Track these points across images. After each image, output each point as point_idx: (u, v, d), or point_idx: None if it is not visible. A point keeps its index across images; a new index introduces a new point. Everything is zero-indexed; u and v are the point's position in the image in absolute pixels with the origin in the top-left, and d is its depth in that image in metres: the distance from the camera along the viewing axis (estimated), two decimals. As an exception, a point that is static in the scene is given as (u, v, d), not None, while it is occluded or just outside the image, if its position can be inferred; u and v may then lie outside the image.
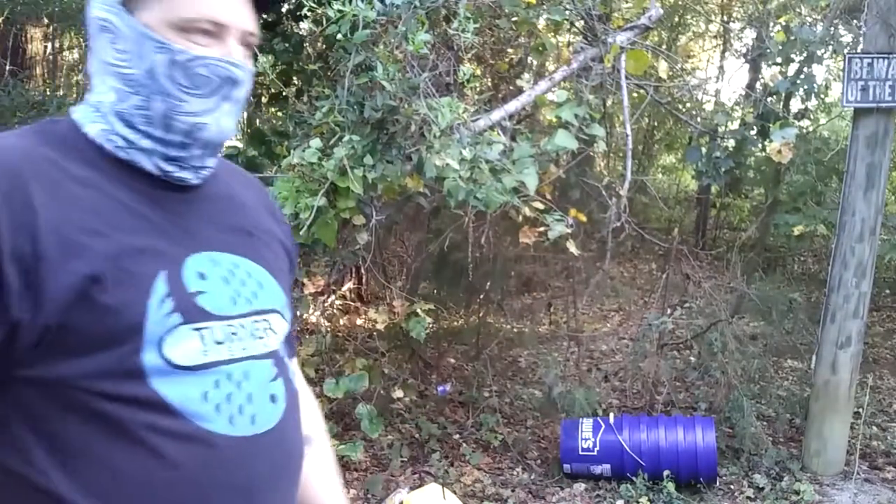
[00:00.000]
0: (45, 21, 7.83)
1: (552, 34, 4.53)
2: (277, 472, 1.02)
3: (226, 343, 0.97)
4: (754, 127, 4.55)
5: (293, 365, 1.19)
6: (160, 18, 0.94)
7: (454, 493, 3.26)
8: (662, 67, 3.97)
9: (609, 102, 4.73)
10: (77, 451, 0.89)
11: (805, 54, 4.52)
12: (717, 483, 3.95)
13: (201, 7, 0.95)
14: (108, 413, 0.89)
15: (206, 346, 0.94)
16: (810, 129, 6.10)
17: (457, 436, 4.52)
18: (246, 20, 0.99)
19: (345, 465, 3.98)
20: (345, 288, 5.49)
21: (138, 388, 0.90)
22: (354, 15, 2.67)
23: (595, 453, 3.92)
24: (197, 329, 0.94)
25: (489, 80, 4.42)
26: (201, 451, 0.93)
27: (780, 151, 3.90)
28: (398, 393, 3.97)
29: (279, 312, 1.07)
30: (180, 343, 0.92)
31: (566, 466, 4.00)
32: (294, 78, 4.22)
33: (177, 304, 0.93)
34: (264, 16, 4.23)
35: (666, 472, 3.81)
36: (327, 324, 4.25)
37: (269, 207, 1.20)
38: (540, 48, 4.07)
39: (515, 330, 5.92)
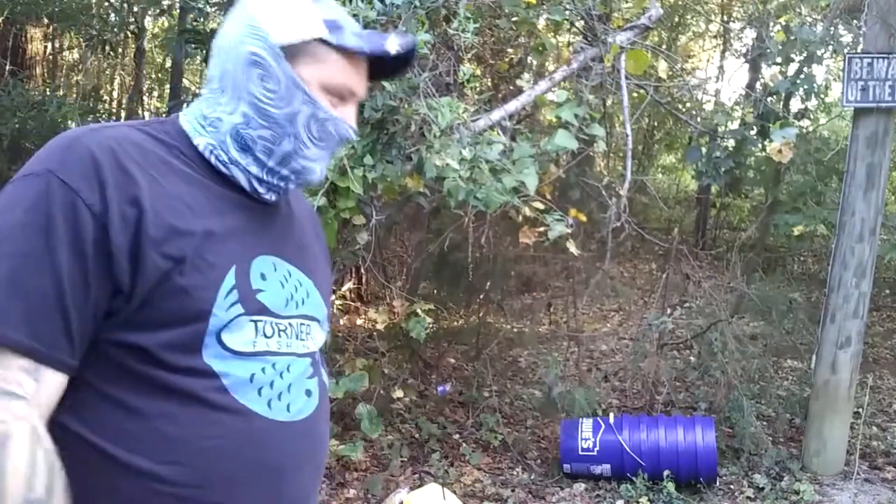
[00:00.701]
0: (45, 21, 7.84)
1: (552, 34, 4.53)
2: (306, 459, 1.13)
3: (274, 337, 1.08)
4: (754, 127, 4.55)
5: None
6: (316, 77, 1.08)
7: (454, 493, 3.26)
8: (662, 67, 3.97)
9: (609, 102, 4.73)
10: (133, 411, 0.99)
11: (805, 54, 4.52)
12: (717, 483, 3.95)
13: (347, 79, 1.10)
14: (167, 381, 0.99)
15: (258, 336, 1.06)
16: (810, 129, 6.10)
17: (457, 436, 4.52)
18: (365, 91, 1.16)
19: (345, 465, 3.98)
20: (345, 288, 5.49)
21: (196, 361, 1.00)
22: (354, 15, 2.67)
23: (595, 453, 3.92)
24: (253, 321, 1.05)
25: (489, 80, 4.42)
26: (242, 426, 1.03)
27: (780, 151, 3.90)
28: (398, 393, 3.97)
29: (319, 322, 1.19)
30: (238, 331, 1.03)
31: (566, 466, 4.00)
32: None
33: (241, 296, 1.04)
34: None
35: (666, 472, 3.81)
36: (327, 324, 4.24)
37: (317, 229, 1.33)
38: (540, 48, 4.07)
39: (515, 330, 5.93)
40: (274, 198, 1.15)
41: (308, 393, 1.13)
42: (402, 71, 1.30)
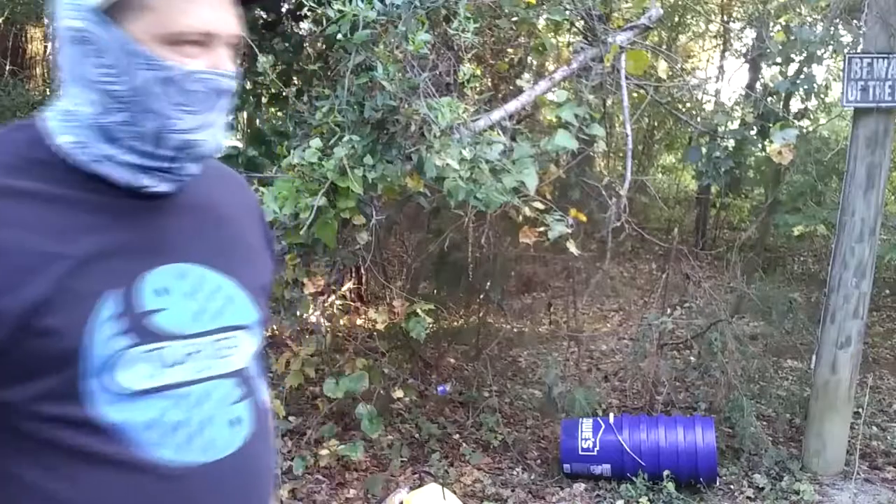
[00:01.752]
0: (45, 21, 7.83)
1: (552, 34, 4.53)
2: (239, 499, 0.97)
3: (183, 364, 0.92)
4: (754, 127, 4.56)
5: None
6: (148, 31, 0.87)
7: (454, 493, 3.26)
8: (662, 67, 3.98)
9: (609, 102, 4.73)
10: (11, 476, 0.87)
11: (805, 54, 4.52)
12: (717, 483, 3.95)
13: (192, 21, 0.88)
14: (51, 439, 0.86)
15: (159, 368, 0.90)
16: (810, 129, 6.10)
17: (457, 436, 4.52)
18: (232, 24, 0.94)
19: (345, 465, 3.98)
20: (345, 288, 5.49)
21: (78, 411, 0.86)
22: (354, 15, 2.67)
23: (595, 453, 3.92)
24: (150, 351, 0.89)
25: (489, 80, 4.41)
26: (142, 481, 0.89)
27: (780, 152, 3.90)
28: (398, 393, 3.97)
29: (249, 329, 1.02)
30: (129, 366, 0.88)
31: (566, 466, 4.00)
32: (294, 78, 4.22)
33: (127, 324, 0.88)
34: (264, 15, 4.24)
35: (666, 472, 3.81)
36: (327, 324, 4.24)
37: (254, 212, 1.15)
38: (540, 48, 4.07)
39: (515, 330, 5.92)
40: (169, 187, 0.95)
41: (233, 422, 0.96)
42: None
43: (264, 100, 4.49)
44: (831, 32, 4.98)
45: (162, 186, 0.94)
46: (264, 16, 4.26)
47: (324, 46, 4.02)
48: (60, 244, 0.86)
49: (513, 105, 3.40)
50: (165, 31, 0.87)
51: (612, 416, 4.08)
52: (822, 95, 6.18)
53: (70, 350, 0.85)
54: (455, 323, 5.78)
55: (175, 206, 0.97)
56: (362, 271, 5.64)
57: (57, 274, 0.85)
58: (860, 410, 4.47)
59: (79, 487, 0.87)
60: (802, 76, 4.54)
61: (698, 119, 6.07)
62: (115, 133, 0.90)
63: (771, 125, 4.08)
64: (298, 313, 3.49)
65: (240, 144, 4.36)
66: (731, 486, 3.99)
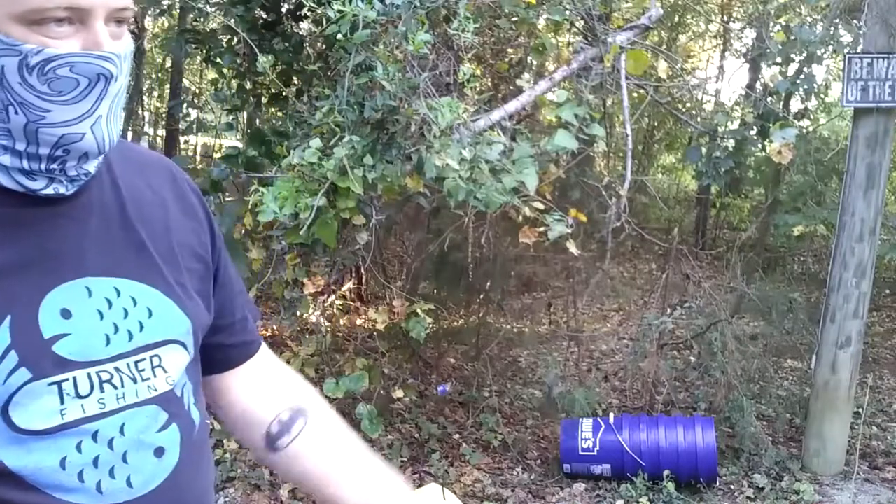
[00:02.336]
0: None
1: (552, 34, 4.53)
2: None
3: (94, 394, 0.81)
4: (754, 127, 4.55)
5: (261, 355, 1.09)
6: (2, 12, 0.73)
7: (454, 493, 3.25)
8: (662, 67, 3.97)
9: (609, 102, 4.73)
10: None
11: (805, 54, 4.52)
12: (717, 483, 3.95)
13: None
14: None
15: (66, 402, 0.79)
16: (810, 129, 6.10)
17: (457, 436, 4.52)
18: None
19: (345, 465, 3.97)
20: (345, 288, 5.49)
21: None
22: (354, 15, 2.67)
23: (595, 453, 3.92)
24: (53, 383, 0.79)
25: (489, 80, 4.42)
26: None
27: (780, 152, 3.90)
28: (398, 393, 3.97)
29: (178, 342, 0.91)
30: (31, 403, 0.77)
31: (566, 466, 4.00)
32: (294, 78, 4.22)
33: (24, 356, 0.77)
34: (264, 15, 4.24)
35: (666, 472, 3.81)
36: (327, 324, 4.25)
37: (183, 195, 1.00)
38: (540, 48, 4.07)
39: (515, 330, 5.92)
40: (66, 189, 0.82)
41: (159, 452, 0.87)
42: None
43: (264, 100, 4.49)
44: (831, 32, 4.98)
45: (56, 188, 0.81)
46: (264, 16, 4.26)
47: (324, 46, 4.02)
48: None
49: (513, 105, 3.40)
50: (21, 9, 0.73)
51: (612, 416, 4.08)
52: (822, 95, 6.18)
53: None
54: (455, 323, 5.78)
55: (78, 210, 0.84)
56: (362, 271, 5.64)
57: None
58: (860, 410, 4.47)
59: None
60: (802, 76, 4.54)
61: (698, 119, 6.07)
62: None
63: (771, 125, 4.08)
64: (298, 313, 3.49)
65: (240, 144, 4.36)
66: (731, 486, 3.99)
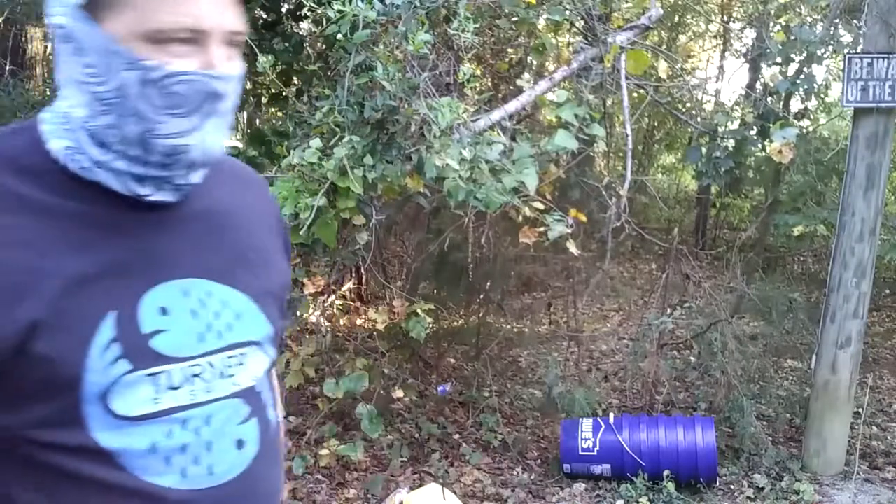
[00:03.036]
0: (46, 21, 7.83)
1: (552, 34, 4.52)
2: None
3: (185, 387, 0.88)
4: (754, 127, 4.55)
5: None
6: (130, 29, 0.80)
7: (454, 493, 3.26)
8: (662, 67, 3.97)
9: (609, 102, 4.73)
10: (11, 501, 0.84)
11: (805, 54, 4.52)
12: (717, 483, 3.95)
13: (178, 16, 0.81)
14: (52, 465, 0.84)
15: (159, 393, 0.86)
16: (810, 129, 6.10)
17: (457, 436, 4.52)
18: (229, 20, 0.86)
19: (345, 465, 3.98)
20: (345, 288, 5.49)
21: (77, 438, 0.83)
22: (354, 15, 2.67)
23: (595, 453, 3.92)
24: (150, 375, 0.86)
25: (489, 80, 4.41)
26: None
27: (780, 152, 3.90)
28: (398, 393, 3.97)
29: (258, 345, 0.98)
30: (128, 392, 0.84)
31: (566, 466, 4.00)
32: (294, 78, 4.22)
33: (125, 349, 0.84)
34: (264, 15, 4.24)
35: (666, 472, 3.81)
36: (327, 324, 4.25)
37: (271, 214, 1.10)
38: (540, 48, 4.07)
39: (515, 330, 5.92)
40: (171, 197, 0.90)
41: (240, 444, 0.93)
42: None
43: (264, 100, 4.49)
44: (831, 32, 4.98)
45: (161, 195, 0.89)
46: (264, 16, 4.26)
47: (324, 46, 4.02)
48: (53, 261, 0.81)
49: (513, 105, 3.40)
50: (147, 29, 0.80)
51: (612, 416, 4.08)
52: (822, 95, 6.18)
53: (69, 377, 0.82)
54: (455, 323, 5.78)
55: (178, 217, 0.92)
56: (362, 271, 5.64)
57: (50, 294, 0.81)
58: (860, 410, 4.47)
59: None
60: (802, 76, 4.54)
61: (698, 119, 6.07)
62: (103, 137, 0.85)
63: (771, 125, 4.08)
64: (298, 313, 3.49)
65: (240, 144, 4.36)
66: (731, 486, 3.99)
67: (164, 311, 0.88)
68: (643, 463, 3.85)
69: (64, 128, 0.86)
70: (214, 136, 0.88)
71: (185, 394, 0.88)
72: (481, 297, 5.29)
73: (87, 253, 0.84)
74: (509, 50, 4.40)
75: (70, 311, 0.82)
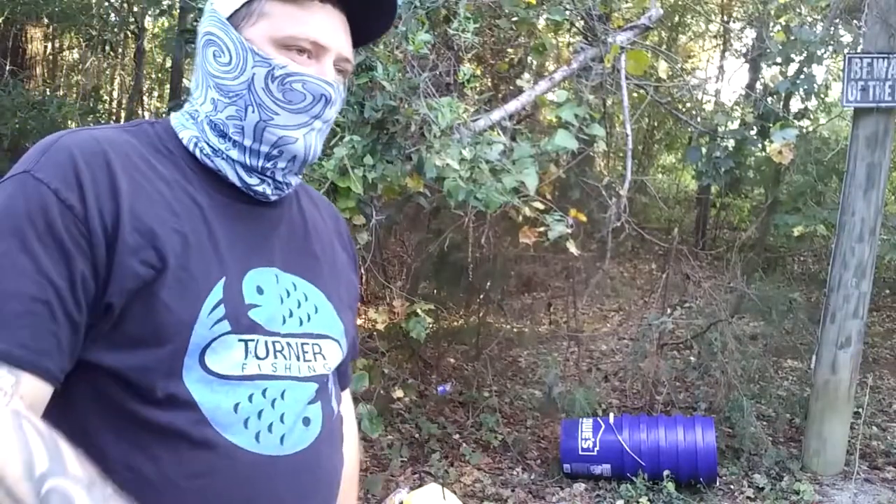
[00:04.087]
0: (45, 21, 7.84)
1: (552, 34, 4.53)
2: (306, 496, 1.00)
3: (268, 358, 0.97)
4: (754, 127, 4.55)
5: (345, 397, 1.22)
6: (264, 35, 0.97)
7: (454, 493, 3.25)
8: (662, 67, 3.98)
9: (609, 102, 4.73)
10: (103, 444, 0.89)
11: (805, 54, 4.52)
12: (717, 483, 3.95)
13: (304, 28, 0.98)
14: (141, 412, 0.90)
15: (248, 358, 0.95)
16: (810, 129, 6.10)
17: (457, 436, 4.52)
18: (343, 45, 1.02)
19: (345, 465, 3.98)
20: (345, 288, 5.47)
21: (174, 387, 0.90)
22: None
23: (595, 453, 3.92)
24: (242, 340, 0.94)
25: (489, 80, 4.42)
26: (222, 464, 0.92)
27: (780, 152, 3.90)
28: (398, 393, 3.97)
29: (334, 340, 1.08)
30: (223, 351, 0.92)
31: (566, 466, 4.00)
32: (294, 78, 4.22)
33: (228, 312, 0.93)
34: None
35: (666, 472, 3.81)
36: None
37: (342, 236, 1.21)
38: (540, 48, 4.07)
39: (515, 330, 5.92)
40: (273, 194, 1.03)
41: (306, 421, 1.00)
42: (390, 16, 1.11)
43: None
44: (831, 32, 4.98)
45: (265, 188, 1.02)
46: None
47: (324, 46, 4.01)
48: (182, 222, 0.93)
49: (513, 105, 3.40)
50: (278, 35, 0.97)
51: (612, 416, 4.08)
52: (822, 95, 6.18)
53: (182, 327, 0.90)
54: (455, 323, 5.78)
55: (274, 215, 1.05)
56: (362, 271, 5.63)
57: (177, 248, 0.91)
58: (860, 410, 4.47)
59: (160, 465, 0.90)
60: (802, 76, 4.54)
61: (698, 119, 6.07)
62: (224, 127, 0.99)
63: (771, 125, 4.08)
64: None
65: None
66: (731, 486, 3.99)
67: (259, 290, 0.98)
68: (643, 463, 3.85)
69: (190, 121, 1.01)
70: (316, 138, 1.02)
71: (268, 364, 0.96)
72: (481, 297, 5.29)
73: (213, 225, 0.96)
74: (509, 50, 4.40)
75: (191, 268, 0.92)
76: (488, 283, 5.15)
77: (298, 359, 1.01)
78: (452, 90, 3.23)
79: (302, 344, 1.02)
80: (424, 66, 2.97)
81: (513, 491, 3.92)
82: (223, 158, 1.00)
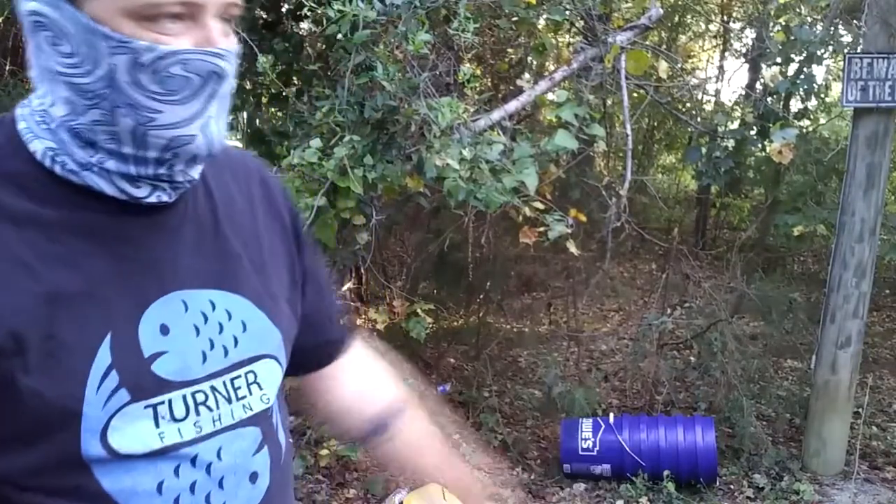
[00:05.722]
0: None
1: (552, 34, 4.53)
2: None
3: (189, 419, 0.78)
4: (754, 127, 4.55)
5: (356, 349, 1.10)
6: (114, 7, 0.69)
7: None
8: (662, 67, 3.97)
9: (609, 102, 4.73)
10: None
11: (805, 54, 4.52)
12: (717, 483, 3.95)
13: None
14: None
15: (162, 426, 0.76)
16: (810, 129, 6.10)
17: (457, 436, 4.52)
18: None
19: (345, 465, 3.98)
20: (345, 288, 5.49)
21: (81, 479, 0.74)
22: (354, 15, 2.67)
23: (595, 453, 3.92)
24: (150, 406, 0.75)
25: (489, 80, 4.42)
26: None
27: (780, 152, 3.90)
28: (398, 393, 3.96)
29: (271, 357, 0.88)
30: (129, 426, 0.74)
31: (566, 466, 4.00)
32: (294, 78, 4.22)
33: (124, 376, 0.74)
34: (264, 15, 4.24)
35: (666, 472, 3.81)
36: (327, 324, 4.24)
37: (273, 197, 0.97)
38: (540, 48, 4.07)
39: (515, 330, 5.92)
40: (169, 197, 0.79)
41: (253, 477, 0.84)
42: None
43: (264, 100, 4.49)
44: (831, 32, 4.98)
45: (156, 197, 0.78)
46: (264, 16, 4.26)
47: (324, 46, 4.02)
48: (39, 278, 0.71)
49: (513, 105, 3.40)
50: (133, 4, 0.69)
51: (612, 416, 4.08)
52: (822, 95, 6.18)
53: (66, 413, 0.72)
54: (455, 323, 5.78)
55: (173, 219, 0.81)
56: (362, 271, 5.63)
57: (37, 316, 0.70)
58: (860, 410, 4.47)
59: None
60: (802, 76, 4.54)
61: (698, 119, 6.08)
62: (91, 136, 0.74)
63: (771, 125, 4.08)
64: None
65: (240, 144, 4.36)
66: (731, 486, 3.99)
67: (164, 330, 0.77)
68: (643, 463, 3.85)
69: (43, 127, 0.75)
70: (217, 124, 0.77)
71: (189, 427, 0.78)
72: (481, 297, 5.29)
73: (78, 266, 0.73)
74: (509, 50, 4.40)
75: (62, 335, 0.71)
76: (488, 283, 5.15)
77: (230, 401, 0.82)
78: (452, 90, 3.23)
79: (232, 380, 0.82)
80: (424, 66, 2.97)
81: (513, 491, 3.92)
82: (94, 172, 0.75)
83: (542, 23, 4.22)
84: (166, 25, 0.71)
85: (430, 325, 4.39)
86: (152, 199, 0.77)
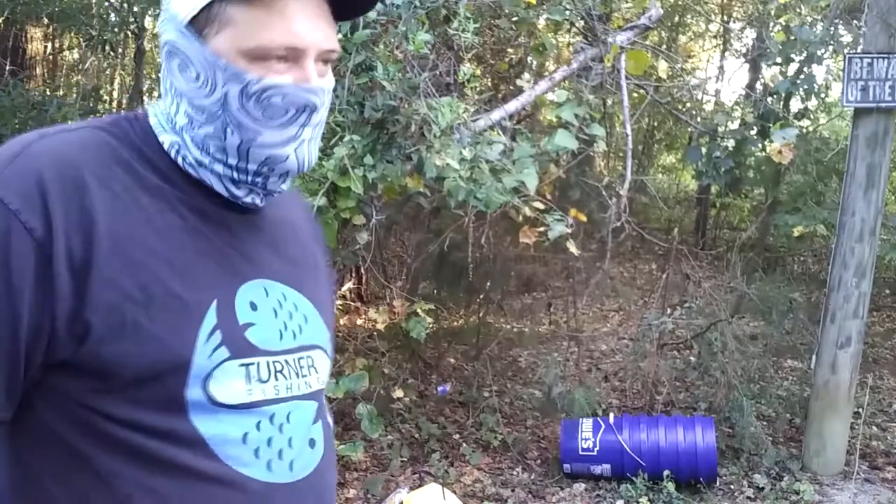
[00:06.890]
0: (45, 21, 7.83)
1: (552, 34, 4.53)
2: None
3: (271, 381, 0.90)
4: (754, 127, 4.56)
5: None
6: (232, 46, 0.86)
7: (454, 493, 3.26)
8: (662, 67, 3.98)
9: (609, 102, 4.73)
10: (108, 482, 0.83)
11: (805, 54, 4.52)
12: (717, 483, 3.95)
13: (275, 35, 0.86)
14: (146, 448, 0.84)
15: (251, 384, 0.88)
16: (810, 129, 6.10)
17: (457, 436, 4.52)
18: (323, 39, 0.90)
19: (345, 465, 3.98)
20: (345, 288, 5.49)
21: (178, 422, 0.84)
22: (354, 15, 2.66)
23: (595, 453, 3.92)
24: (244, 365, 0.88)
25: (489, 80, 4.42)
26: (238, 498, 0.87)
27: (780, 152, 3.90)
28: (398, 393, 3.97)
29: (322, 349, 1.01)
30: (226, 379, 0.86)
31: (566, 466, 4.00)
32: (294, 78, 4.22)
33: (225, 336, 0.86)
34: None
35: (666, 472, 3.81)
36: (327, 324, 4.24)
37: (315, 232, 1.15)
38: (540, 48, 4.07)
39: (515, 330, 5.93)
40: (260, 201, 0.95)
41: (312, 443, 0.96)
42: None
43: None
44: (831, 32, 4.99)
45: (253, 199, 0.94)
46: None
47: (324, 46, 4.01)
48: (169, 243, 0.86)
49: (513, 105, 3.40)
50: (248, 46, 0.86)
51: (612, 416, 4.08)
52: (822, 95, 6.17)
53: (179, 359, 0.83)
54: (455, 323, 5.78)
55: (260, 221, 0.98)
56: (362, 271, 5.64)
57: (163, 275, 0.83)
58: (860, 410, 4.47)
59: (171, 500, 0.85)
60: (802, 76, 4.55)
61: (698, 119, 6.08)
62: (204, 146, 0.90)
63: (771, 125, 4.08)
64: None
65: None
66: (731, 486, 3.99)
67: (253, 306, 0.91)
68: (643, 463, 3.85)
69: (169, 127, 0.92)
70: (308, 147, 0.93)
71: (270, 388, 0.90)
72: (481, 297, 5.29)
73: (200, 240, 0.89)
74: (509, 50, 4.40)
75: (181, 293, 0.84)
76: (488, 283, 5.16)
77: (298, 376, 0.94)
78: (452, 90, 3.23)
79: (298, 359, 0.95)
80: (424, 66, 2.97)
81: (513, 491, 3.92)
82: (208, 170, 0.91)
83: (542, 23, 4.22)
84: (274, 65, 0.87)
85: (431, 325, 4.39)
86: (248, 200, 0.93)
